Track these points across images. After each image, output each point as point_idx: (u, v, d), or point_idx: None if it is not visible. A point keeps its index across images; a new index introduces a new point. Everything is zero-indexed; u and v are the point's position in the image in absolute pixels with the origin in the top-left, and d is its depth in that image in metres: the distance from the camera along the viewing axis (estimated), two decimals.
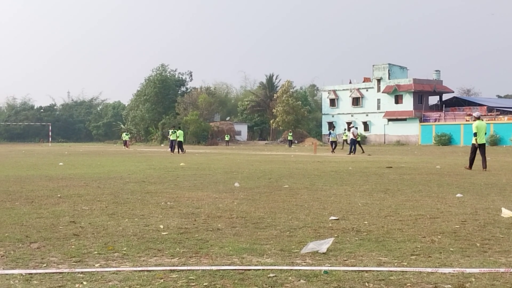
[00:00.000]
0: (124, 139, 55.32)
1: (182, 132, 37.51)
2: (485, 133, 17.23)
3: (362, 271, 4.68)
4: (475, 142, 16.97)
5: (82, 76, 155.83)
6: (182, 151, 35.82)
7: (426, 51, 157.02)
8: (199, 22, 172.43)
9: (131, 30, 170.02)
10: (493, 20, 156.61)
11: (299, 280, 4.43)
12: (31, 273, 4.62)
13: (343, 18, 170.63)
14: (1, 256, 5.23)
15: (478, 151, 17.06)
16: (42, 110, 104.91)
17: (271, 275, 4.55)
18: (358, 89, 73.12)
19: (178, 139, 36.22)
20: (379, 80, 70.51)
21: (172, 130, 37.51)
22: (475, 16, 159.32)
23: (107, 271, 4.69)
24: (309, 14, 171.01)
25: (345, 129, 33.34)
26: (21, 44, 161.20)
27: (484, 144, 17.11)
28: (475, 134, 16.95)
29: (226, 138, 67.53)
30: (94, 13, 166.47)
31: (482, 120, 17.83)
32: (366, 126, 71.42)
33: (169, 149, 38.03)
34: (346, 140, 42.40)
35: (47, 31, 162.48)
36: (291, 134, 60.88)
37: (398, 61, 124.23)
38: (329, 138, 34.17)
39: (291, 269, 4.71)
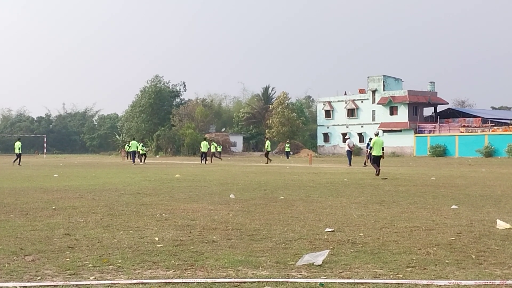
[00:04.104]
0: (141, 152, 42.54)
1: (206, 143, 38.64)
2: (382, 148, 20.84)
3: (358, 283, 4.68)
4: (373, 154, 20.66)
5: (76, 86, 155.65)
6: (205, 161, 37.74)
7: (421, 62, 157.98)
8: (192, 32, 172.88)
9: (125, 40, 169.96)
10: (488, 31, 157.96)
11: None
12: (26, 286, 4.61)
13: (337, 29, 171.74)
14: None
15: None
16: (36, 122, 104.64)
17: (267, 287, 4.55)
18: (353, 101, 73.40)
19: (201, 150, 38.53)
20: (374, 92, 70.80)
21: (141, 143, 41.12)
22: (469, 26, 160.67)
23: (101, 284, 4.67)
24: (304, 25, 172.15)
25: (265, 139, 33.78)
26: (16, 54, 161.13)
27: (380, 156, 20.52)
28: (370, 148, 21.48)
29: (219, 149, 62.72)
30: (88, 24, 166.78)
31: (380, 137, 21.68)
32: (361, 137, 71.58)
33: (139, 160, 39.51)
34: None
35: (41, 42, 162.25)
36: (288, 145, 60.74)
37: (393, 72, 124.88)
38: (367, 150, 32.46)
39: (287, 282, 4.71)
